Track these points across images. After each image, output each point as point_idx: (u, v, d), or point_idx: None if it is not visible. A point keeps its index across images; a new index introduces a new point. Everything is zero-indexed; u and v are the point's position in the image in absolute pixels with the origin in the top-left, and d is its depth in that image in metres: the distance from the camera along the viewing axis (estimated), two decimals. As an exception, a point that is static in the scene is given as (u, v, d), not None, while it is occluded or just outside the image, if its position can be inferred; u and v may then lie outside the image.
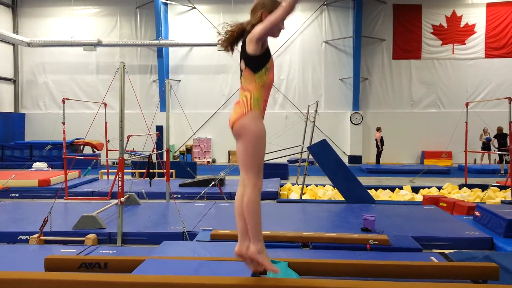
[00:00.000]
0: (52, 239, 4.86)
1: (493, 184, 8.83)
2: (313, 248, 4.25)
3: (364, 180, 8.88)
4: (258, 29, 2.44)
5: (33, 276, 2.71)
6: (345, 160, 15.45)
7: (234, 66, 16.76)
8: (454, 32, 16.35)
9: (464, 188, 8.57)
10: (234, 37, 2.61)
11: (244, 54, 2.54)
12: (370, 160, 16.10)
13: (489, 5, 16.19)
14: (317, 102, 9.02)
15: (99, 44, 15.58)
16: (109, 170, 10.44)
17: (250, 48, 2.47)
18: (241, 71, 2.60)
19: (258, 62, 2.51)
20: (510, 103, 8.42)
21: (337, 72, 16.58)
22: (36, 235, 4.82)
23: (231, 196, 7.87)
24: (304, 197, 8.05)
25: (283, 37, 16.38)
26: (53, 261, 3.30)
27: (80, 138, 13.99)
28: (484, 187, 8.45)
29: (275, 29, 2.44)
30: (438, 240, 4.72)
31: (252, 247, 2.52)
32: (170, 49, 16.78)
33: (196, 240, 4.48)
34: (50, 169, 12.07)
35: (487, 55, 16.27)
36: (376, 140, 14.98)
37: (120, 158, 5.11)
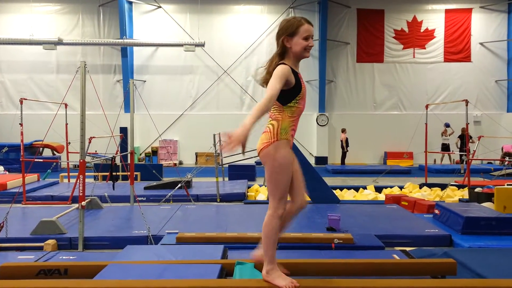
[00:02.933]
0: (8, 245, 4.63)
1: (452, 183, 9.20)
2: (279, 249, 4.25)
3: (330, 181, 9.03)
4: (271, 78, 2.38)
5: (-15, 285, 2.57)
6: (311, 161, 15.66)
7: (201, 67, 16.66)
8: (415, 37, 16.96)
9: (425, 187, 8.88)
10: (268, 76, 2.52)
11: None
12: (336, 161, 16.40)
13: (447, 11, 16.92)
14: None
15: (59, 42, 15.05)
16: (70, 173, 10.10)
17: None
18: None
19: (287, 96, 2.45)
20: (467, 105, 8.81)
21: (303, 74, 16.11)
22: (-10, 242, 4.58)
23: (198, 198, 7.80)
24: (271, 198, 8.07)
25: (251, 38, 16.44)
26: (9, 269, 3.15)
27: (39, 140, 13.43)
28: (443, 186, 8.78)
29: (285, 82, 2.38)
30: (400, 238, 4.85)
31: (264, 268, 2.58)
32: (135, 48, 16.45)
33: (162, 244, 4.39)
34: (7, 172, 11.52)
35: (446, 59, 16.98)
36: (342, 141, 15.28)
37: (81, 160, 4.95)
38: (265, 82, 2.53)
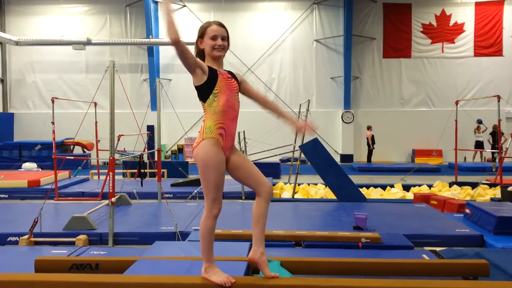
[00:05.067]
0: (42, 240, 4.80)
1: (483, 181, 8.93)
2: (305, 247, 4.25)
3: (356, 179, 8.92)
4: None
5: (23, 278, 2.67)
6: (337, 158, 15.51)
7: (225, 65, 16.57)
8: (444, 31, 16.49)
9: (455, 186, 8.65)
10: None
11: (196, 88, 2.60)
12: (362, 159, 16.18)
13: (477, 4, 16.36)
14: (309, 100, 9.03)
15: (88, 42, 15.43)
16: (100, 170, 10.35)
17: (193, 80, 2.56)
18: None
19: (203, 91, 2.55)
20: (499, 101, 8.52)
21: (328, 71, 16.63)
22: (26, 237, 4.76)
23: (223, 195, 7.83)
24: (296, 196, 8.06)
25: (274, 36, 16.39)
26: (44, 263, 3.27)
27: (70, 138, 13.86)
28: (474, 185, 8.54)
29: (188, 62, 2.45)
30: (429, 238, 4.76)
31: (203, 266, 2.62)
32: (160, 47, 16.68)
33: (189, 240, 4.46)
34: (40, 169, 11.93)
35: (476, 54, 16.44)
36: (367, 138, 15.06)
37: (111, 158, 5.07)
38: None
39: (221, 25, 2.61)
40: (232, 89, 2.60)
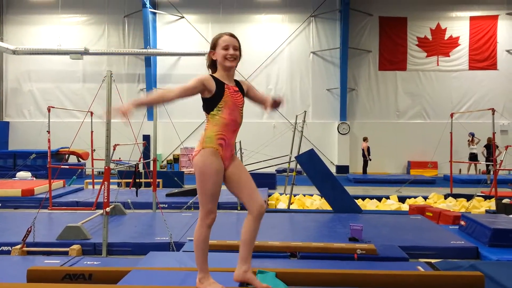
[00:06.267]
0: (35, 250, 4.75)
1: (478, 194, 8.96)
2: (300, 258, 4.24)
3: (351, 190, 8.92)
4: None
5: (14, 288, 2.64)
6: (333, 169, 15.51)
7: (222, 76, 16.79)
8: (439, 44, 16.69)
9: (450, 198, 8.67)
10: None
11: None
12: (357, 170, 16.20)
13: (472, 18, 16.60)
14: (305, 112, 9.08)
15: (86, 52, 15.47)
16: (95, 180, 10.31)
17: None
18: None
19: (207, 104, 2.59)
20: (493, 114, 8.59)
21: (325, 82, 16.74)
22: (18, 246, 4.71)
23: (219, 206, 7.78)
24: (292, 207, 8.04)
25: (272, 47, 16.52)
26: (36, 272, 3.23)
27: (65, 147, 13.78)
28: (469, 197, 8.56)
29: (194, 93, 2.55)
30: (424, 250, 4.75)
31: (197, 276, 2.62)
32: (158, 58, 16.75)
33: (183, 251, 4.43)
34: (34, 178, 11.85)
35: (471, 67, 16.62)
36: (363, 150, 15.11)
37: (106, 167, 5.05)
38: None
39: (232, 35, 2.65)
40: (237, 104, 2.62)
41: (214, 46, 2.63)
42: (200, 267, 2.57)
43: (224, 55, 2.58)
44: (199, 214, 2.57)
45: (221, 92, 2.55)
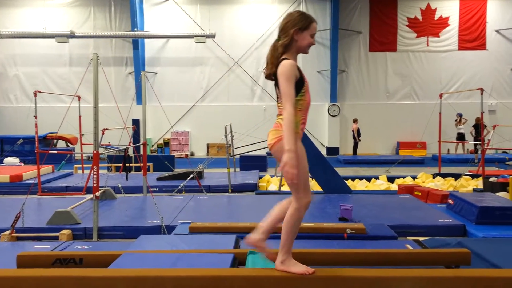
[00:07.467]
0: (25, 235, 4.72)
1: (466, 173, 9.08)
2: (291, 239, 4.27)
3: (342, 171, 8.98)
4: (281, 79, 2.40)
5: (4, 274, 2.62)
6: (323, 151, 15.59)
7: (212, 59, 16.63)
8: (429, 25, 16.64)
9: (438, 177, 8.78)
10: (274, 69, 2.52)
11: (277, 81, 2.48)
12: (347, 151, 16.30)
13: (462, -2, 16.55)
14: (295, 94, 9.00)
15: (72, 35, 15.15)
16: (84, 165, 10.23)
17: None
18: (277, 95, 2.55)
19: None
20: (482, 94, 8.65)
21: (315, 64, 16.65)
22: (7, 232, 4.68)
23: (210, 189, 7.84)
24: (282, 189, 8.09)
25: (261, 29, 16.32)
26: (26, 258, 3.22)
27: (53, 132, 13.61)
28: (457, 176, 8.68)
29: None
30: (413, 228, 4.83)
31: (278, 257, 2.55)
32: (146, 40, 16.48)
33: (175, 234, 4.44)
34: (23, 164, 11.71)
35: (461, 47, 16.64)
36: (353, 131, 15.17)
37: (95, 152, 5.00)
38: (268, 75, 2.56)
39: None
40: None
41: (305, 27, 2.45)
42: (287, 249, 2.53)
43: (310, 43, 2.50)
44: (295, 199, 2.46)
45: (302, 76, 2.49)
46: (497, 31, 16.53)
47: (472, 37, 16.57)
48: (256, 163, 10.61)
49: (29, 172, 8.80)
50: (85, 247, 3.98)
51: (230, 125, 9.13)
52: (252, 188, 7.96)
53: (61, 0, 16.55)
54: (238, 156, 10.49)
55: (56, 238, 4.66)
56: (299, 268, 2.50)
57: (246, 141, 10.85)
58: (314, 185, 7.96)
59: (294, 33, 2.45)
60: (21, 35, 15.30)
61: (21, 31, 15.31)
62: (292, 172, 2.23)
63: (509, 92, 16.79)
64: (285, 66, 2.40)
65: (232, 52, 16.37)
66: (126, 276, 2.55)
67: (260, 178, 9.04)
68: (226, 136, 8.71)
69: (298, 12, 2.53)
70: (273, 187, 8.28)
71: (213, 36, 15.57)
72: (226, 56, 16.41)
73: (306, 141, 7.33)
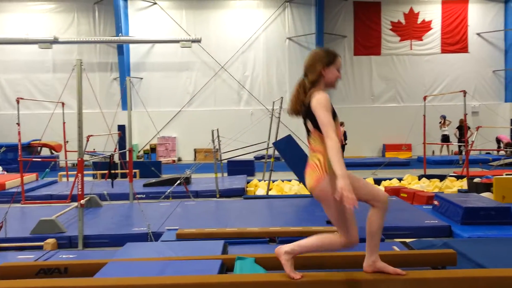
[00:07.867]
0: (8, 245, 4.62)
1: (451, 174, 9.22)
2: (280, 243, 4.26)
3: (329, 174, 9.00)
4: (319, 110, 2.41)
5: (-15, 286, 2.56)
6: (310, 155, 15.63)
7: (198, 63, 16.59)
8: (412, 29, 16.90)
9: (423, 179, 8.88)
10: (300, 105, 2.57)
11: (310, 116, 2.48)
12: (335, 155, 16.37)
13: (444, 2, 16.85)
14: (282, 98, 9.07)
15: (55, 41, 14.95)
16: (69, 172, 10.08)
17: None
18: (308, 130, 2.55)
19: None
20: (464, 96, 8.80)
21: (301, 68, 16.24)
22: (-10, 242, 4.57)
23: (197, 194, 7.79)
24: (270, 193, 8.09)
25: (247, 34, 16.37)
26: (9, 269, 3.15)
27: (36, 139, 13.39)
28: (442, 177, 8.79)
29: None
30: (399, 230, 4.86)
31: (369, 259, 2.69)
32: (131, 46, 16.36)
33: (162, 240, 4.40)
34: (5, 172, 11.49)
35: (443, 51, 16.94)
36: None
37: (80, 159, 4.93)
38: (295, 112, 2.60)
39: None
40: None
41: (331, 63, 2.53)
42: (376, 250, 2.61)
43: (337, 76, 2.56)
44: (344, 235, 2.59)
45: (334, 110, 2.50)
46: (478, 34, 16.88)
47: (454, 40, 16.89)
48: (243, 167, 10.60)
49: (12, 181, 8.63)
50: (70, 256, 3.91)
51: (217, 130, 9.09)
52: (240, 192, 7.93)
53: (43, 6, 16.35)
54: (226, 161, 10.46)
55: (40, 247, 4.57)
56: (391, 268, 2.62)
57: (233, 146, 10.83)
58: (302, 189, 7.98)
59: (322, 69, 2.51)
60: (2, 41, 15.06)
61: (2, 37, 15.07)
62: (352, 198, 2.25)
63: (491, 94, 17.13)
64: (321, 98, 2.45)
65: (218, 56, 16.36)
66: (112, 285, 2.51)
67: (248, 182, 9.03)
68: (213, 141, 8.67)
69: (323, 49, 2.63)
70: (261, 191, 8.28)
71: (199, 41, 15.55)
72: (212, 61, 16.39)
73: (293, 144, 7.36)
